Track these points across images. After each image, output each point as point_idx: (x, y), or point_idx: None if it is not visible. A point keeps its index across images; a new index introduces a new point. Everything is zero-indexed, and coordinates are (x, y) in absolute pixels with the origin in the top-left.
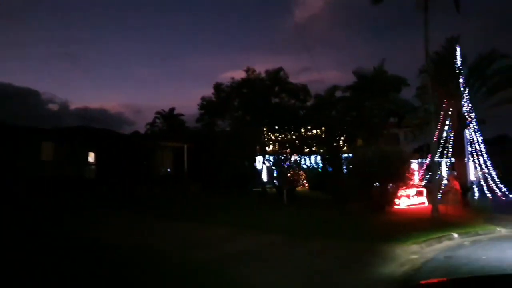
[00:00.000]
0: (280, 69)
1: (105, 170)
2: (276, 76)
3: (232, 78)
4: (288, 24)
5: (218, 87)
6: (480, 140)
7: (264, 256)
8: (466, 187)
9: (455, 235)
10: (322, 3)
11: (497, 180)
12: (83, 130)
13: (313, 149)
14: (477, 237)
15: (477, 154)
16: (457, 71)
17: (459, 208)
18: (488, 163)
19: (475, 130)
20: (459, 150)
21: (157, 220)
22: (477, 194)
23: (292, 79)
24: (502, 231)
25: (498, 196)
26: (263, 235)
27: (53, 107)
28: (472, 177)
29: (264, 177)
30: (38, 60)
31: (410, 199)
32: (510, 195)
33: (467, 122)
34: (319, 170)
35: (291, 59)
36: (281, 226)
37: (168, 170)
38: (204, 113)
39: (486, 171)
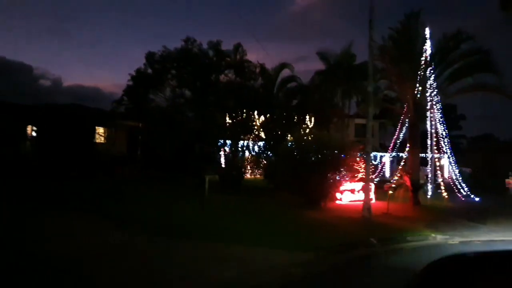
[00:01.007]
0: (239, 45)
1: (44, 150)
2: (221, 50)
3: (164, 46)
4: (286, 12)
5: (150, 57)
6: (444, 134)
7: None
8: (418, 184)
9: (375, 242)
10: None
11: (460, 179)
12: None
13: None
14: (401, 245)
15: (439, 150)
16: (416, 52)
17: (408, 207)
18: (452, 159)
19: (441, 122)
20: (413, 143)
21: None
22: (430, 192)
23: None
24: (437, 237)
25: (458, 196)
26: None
27: (45, 83)
28: (446, 174)
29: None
30: (32, 35)
31: (354, 194)
32: (472, 196)
33: (426, 111)
34: (263, 157)
35: (290, 47)
36: (162, 221)
37: (125, 151)
38: (133, 85)
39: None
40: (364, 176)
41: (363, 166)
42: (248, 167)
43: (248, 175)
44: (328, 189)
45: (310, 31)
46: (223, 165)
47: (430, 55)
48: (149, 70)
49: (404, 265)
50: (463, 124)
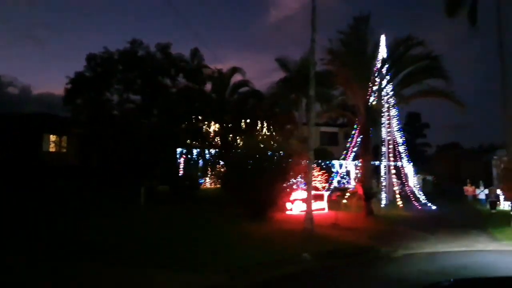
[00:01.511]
0: (196, 50)
1: None
2: (170, 53)
3: (105, 48)
4: (265, 23)
5: (92, 58)
6: (401, 141)
7: None
8: (370, 192)
9: (308, 257)
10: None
11: (418, 187)
12: None
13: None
14: (336, 261)
15: (395, 157)
16: (367, 56)
17: (360, 217)
18: (411, 168)
19: (400, 129)
20: (365, 150)
21: None
22: (384, 201)
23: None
24: (380, 250)
25: (414, 205)
26: None
27: (13, 91)
28: (411, 182)
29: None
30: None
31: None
32: (429, 204)
33: (379, 117)
34: (217, 165)
35: (265, 58)
36: (59, 240)
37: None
38: (72, 89)
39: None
40: (316, 185)
41: (316, 174)
42: (208, 176)
43: (208, 185)
44: (275, 199)
45: (286, 41)
46: (181, 174)
47: (383, 60)
48: (91, 73)
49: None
50: (430, 132)
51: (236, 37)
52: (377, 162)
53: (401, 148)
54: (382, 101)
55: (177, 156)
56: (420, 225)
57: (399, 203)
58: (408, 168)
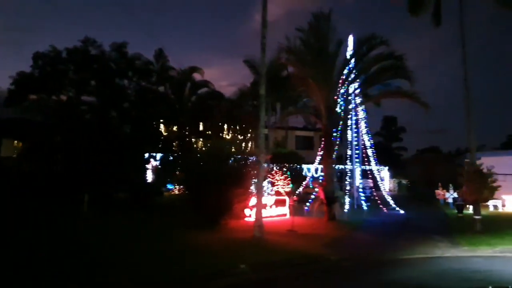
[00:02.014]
0: (160, 50)
1: None
2: (126, 53)
3: (52, 46)
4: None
5: (39, 57)
6: (369, 144)
7: None
8: (332, 197)
9: (246, 269)
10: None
11: (388, 191)
12: None
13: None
14: (276, 272)
15: (364, 160)
16: (328, 55)
17: (320, 222)
18: (386, 171)
19: (367, 132)
20: (327, 152)
21: None
22: (347, 206)
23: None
24: (330, 259)
25: (381, 209)
26: None
27: None
28: (387, 186)
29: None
30: None
31: (266, 209)
32: (397, 209)
33: (343, 119)
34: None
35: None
36: None
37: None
38: (16, 90)
39: (370, 180)
40: (278, 189)
41: (279, 178)
42: (170, 182)
43: (176, 191)
44: (230, 205)
45: (269, 47)
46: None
47: (346, 59)
48: (39, 73)
49: None
50: (411, 137)
51: (218, 43)
52: (346, 166)
53: (370, 151)
54: (347, 102)
55: (140, 161)
56: (383, 231)
57: (365, 207)
58: (383, 172)
